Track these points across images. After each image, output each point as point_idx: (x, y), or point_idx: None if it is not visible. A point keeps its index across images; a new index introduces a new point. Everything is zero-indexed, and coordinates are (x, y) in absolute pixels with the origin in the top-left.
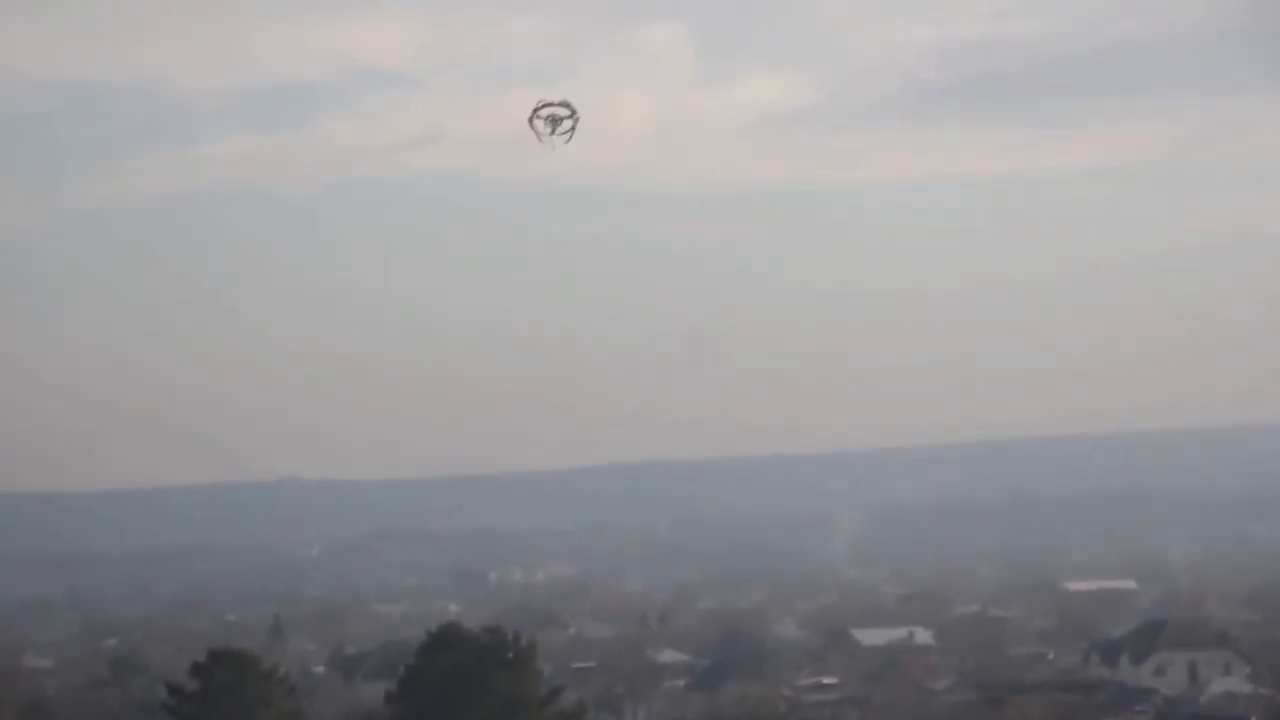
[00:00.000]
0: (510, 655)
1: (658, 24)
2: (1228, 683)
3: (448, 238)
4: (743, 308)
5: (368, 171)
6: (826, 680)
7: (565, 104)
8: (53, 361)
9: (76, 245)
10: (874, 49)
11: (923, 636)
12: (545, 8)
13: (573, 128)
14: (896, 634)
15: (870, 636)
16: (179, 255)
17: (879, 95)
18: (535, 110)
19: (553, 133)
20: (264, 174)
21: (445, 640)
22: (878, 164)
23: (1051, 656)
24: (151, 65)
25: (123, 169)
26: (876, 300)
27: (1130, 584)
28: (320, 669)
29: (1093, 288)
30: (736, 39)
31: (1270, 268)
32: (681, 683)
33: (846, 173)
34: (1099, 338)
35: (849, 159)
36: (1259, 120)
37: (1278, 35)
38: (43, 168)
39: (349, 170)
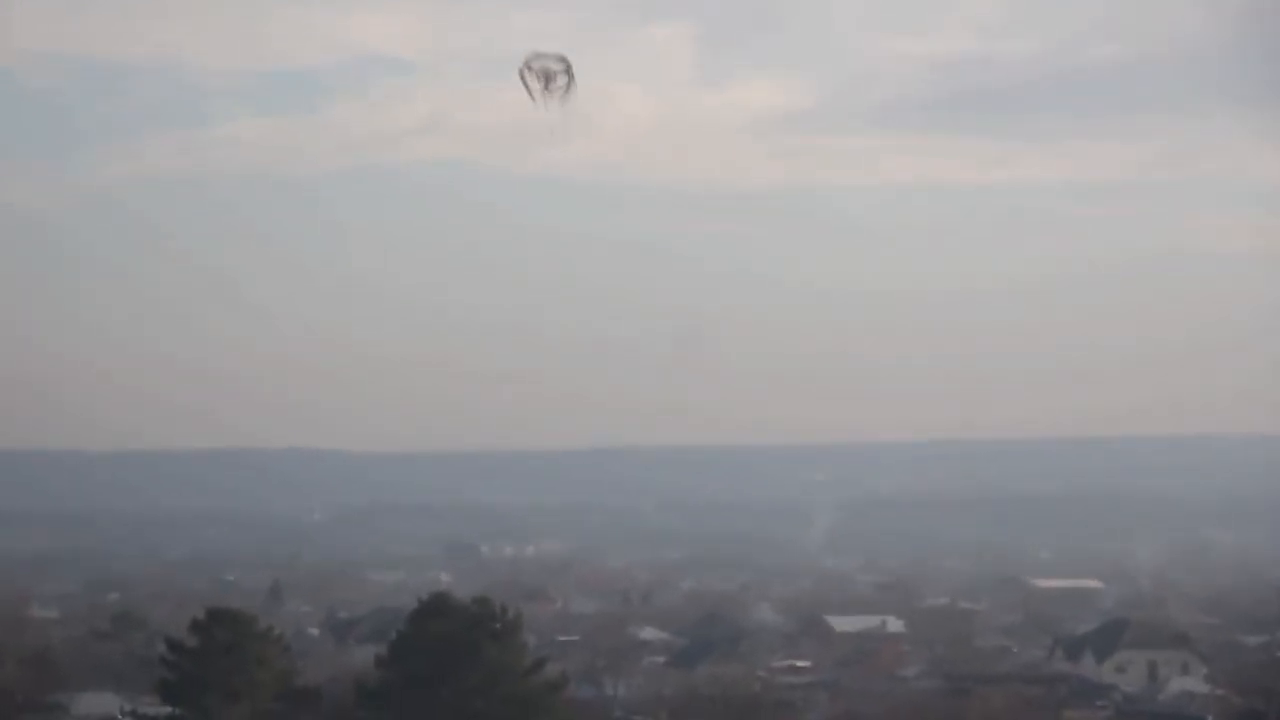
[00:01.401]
0: (497, 626)
1: (659, 23)
2: (1186, 682)
3: (449, 225)
4: (735, 302)
5: (373, 157)
6: (800, 664)
7: (560, 58)
8: (67, 329)
9: (89, 221)
10: (866, 58)
11: (894, 625)
12: (549, 3)
13: (567, 85)
14: (869, 622)
15: (843, 623)
16: (189, 232)
17: (870, 103)
18: (527, 63)
19: (545, 88)
20: (272, 156)
21: (435, 609)
22: (867, 168)
23: (1016, 650)
24: (165, 45)
25: (135, 147)
26: (866, 299)
27: (1095, 583)
28: (315, 631)
29: (1070, 295)
30: (735, 41)
31: (1238, 283)
32: (660, 659)
33: (837, 175)
34: (1079, 344)
35: (840, 162)
36: (1230, 141)
37: (1250, 62)
38: (56, 144)
39: (355, 155)
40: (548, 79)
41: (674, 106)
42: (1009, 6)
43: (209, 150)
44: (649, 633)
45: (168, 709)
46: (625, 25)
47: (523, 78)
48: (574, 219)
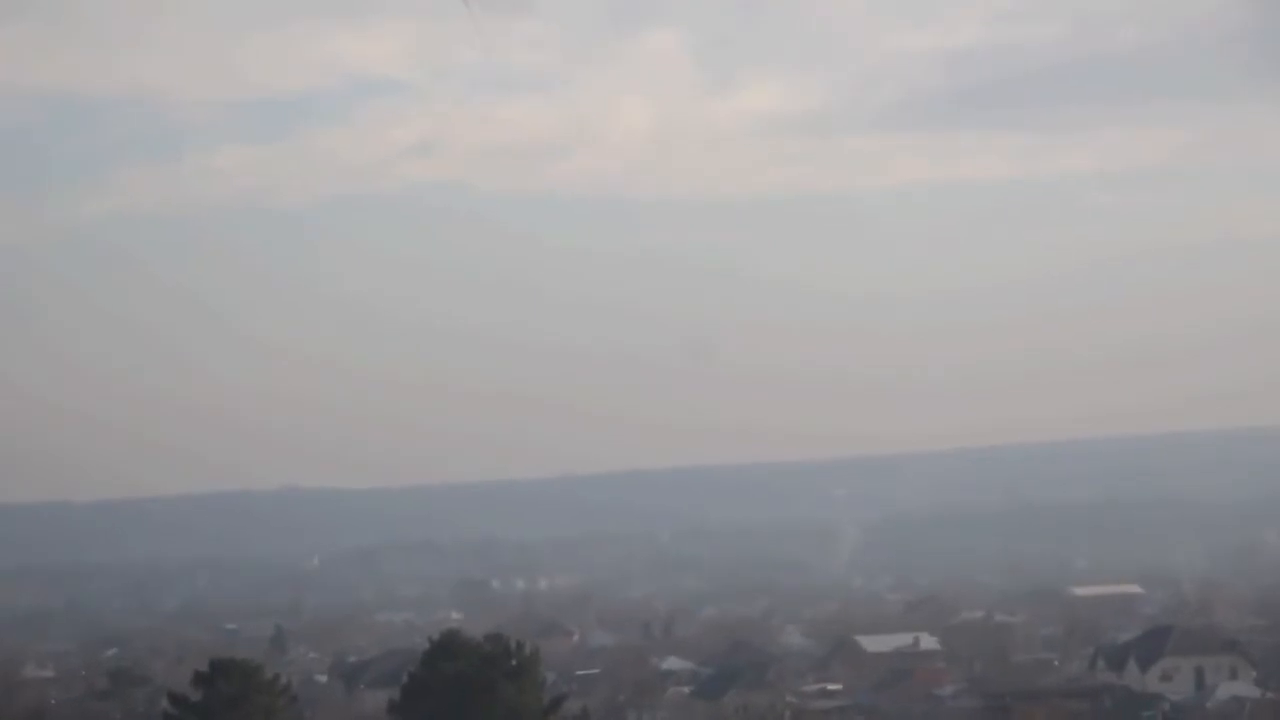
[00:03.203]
0: (513, 663)
1: (656, 30)
2: (1235, 687)
3: (446, 247)
4: (745, 313)
5: (364, 182)
6: (831, 687)
7: None
8: (48, 375)
9: (68, 258)
10: (877, 55)
11: (928, 643)
12: (543, 12)
13: None
14: (901, 641)
15: (875, 644)
16: (172, 267)
17: (883, 101)
18: None
19: None
20: (257, 185)
21: (448, 648)
22: (882, 169)
23: (1057, 663)
24: (141, 77)
25: (113, 181)
26: (881, 305)
27: (1136, 589)
28: (322, 678)
29: (1096, 291)
30: (736, 45)
31: (1272, 270)
32: (685, 690)
33: (850, 178)
34: (1108, 339)
35: (852, 164)
36: (1259, 125)
37: (1272, 43)
38: (32, 180)
39: (344, 181)
40: None
41: (676, 114)
42: None
43: (188, 183)
44: (672, 663)
45: None
46: (621, 35)
47: None
48: (579, 235)
